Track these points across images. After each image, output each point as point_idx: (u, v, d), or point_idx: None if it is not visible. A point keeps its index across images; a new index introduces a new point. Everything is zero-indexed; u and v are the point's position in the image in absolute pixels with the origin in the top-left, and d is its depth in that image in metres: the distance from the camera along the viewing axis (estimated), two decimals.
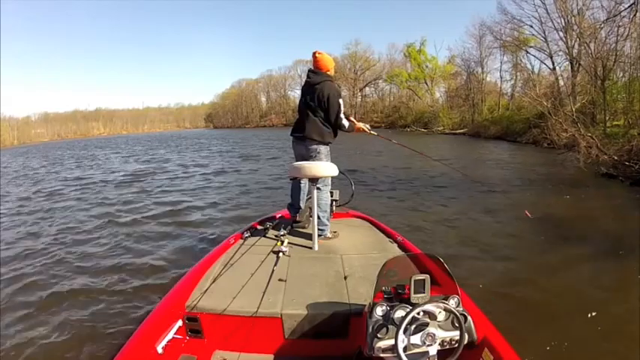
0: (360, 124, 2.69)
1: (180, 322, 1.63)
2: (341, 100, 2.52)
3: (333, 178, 2.57)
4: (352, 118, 2.67)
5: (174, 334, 1.58)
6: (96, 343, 2.36)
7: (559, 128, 9.07)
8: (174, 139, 32.39)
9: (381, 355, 1.25)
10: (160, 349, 1.48)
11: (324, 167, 2.39)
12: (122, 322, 2.60)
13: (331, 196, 2.69)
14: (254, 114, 59.85)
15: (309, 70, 2.58)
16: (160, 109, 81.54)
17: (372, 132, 2.83)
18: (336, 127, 2.57)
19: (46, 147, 35.21)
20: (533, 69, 22.99)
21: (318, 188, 2.44)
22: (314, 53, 2.55)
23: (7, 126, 53.59)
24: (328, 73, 2.55)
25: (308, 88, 2.53)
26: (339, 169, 2.45)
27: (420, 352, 1.23)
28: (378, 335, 1.24)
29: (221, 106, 66.83)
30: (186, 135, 42.35)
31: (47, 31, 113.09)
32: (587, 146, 8.01)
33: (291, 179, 2.78)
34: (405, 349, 1.20)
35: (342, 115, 2.54)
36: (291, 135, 2.68)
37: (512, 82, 26.25)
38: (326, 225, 2.52)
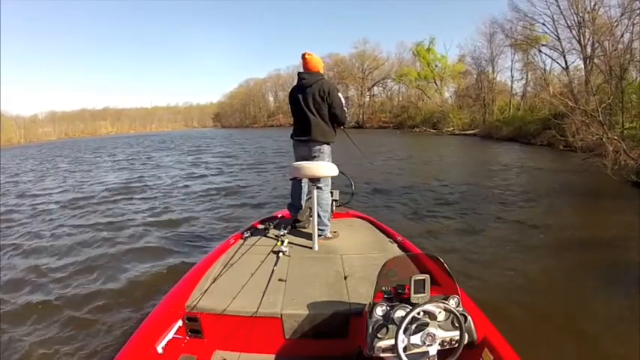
0: None
1: (180, 322, 1.64)
2: (340, 94, 2.54)
3: (332, 178, 2.56)
4: None
5: (175, 334, 1.59)
6: (96, 343, 2.38)
7: (585, 130, 8.27)
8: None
9: (381, 355, 1.25)
10: (160, 349, 1.48)
11: (324, 167, 2.38)
12: (122, 322, 2.61)
13: (331, 196, 2.68)
14: (262, 113, 60.03)
15: (301, 73, 2.56)
16: (168, 108, 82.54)
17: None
18: (342, 119, 2.57)
19: (49, 147, 35.05)
20: (545, 68, 22.57)
21: (319, 188, 2.44)
22: (303, 55, 2.53)
23: (14, 124, 53.42)
24: (320, 72, 2.55)
25: (304, 90, 2.50)
26: (339, 169, 2.44)
27: (420, 352, 1.22)
28: (378, 335, 1.24)
29: (229, 106, 67.15)
30: (195, 135, 42.46)
31: (47, 31, 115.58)
32: (615, 150, 7.16)
33: (291, 179, 2.77)
34: (405, 349, 1.20)
35: (345, 108, 2.56)
36: (292, 138, 2.67)
37: (524, 81, 25.84)
38: (326, 225, 2.51)
